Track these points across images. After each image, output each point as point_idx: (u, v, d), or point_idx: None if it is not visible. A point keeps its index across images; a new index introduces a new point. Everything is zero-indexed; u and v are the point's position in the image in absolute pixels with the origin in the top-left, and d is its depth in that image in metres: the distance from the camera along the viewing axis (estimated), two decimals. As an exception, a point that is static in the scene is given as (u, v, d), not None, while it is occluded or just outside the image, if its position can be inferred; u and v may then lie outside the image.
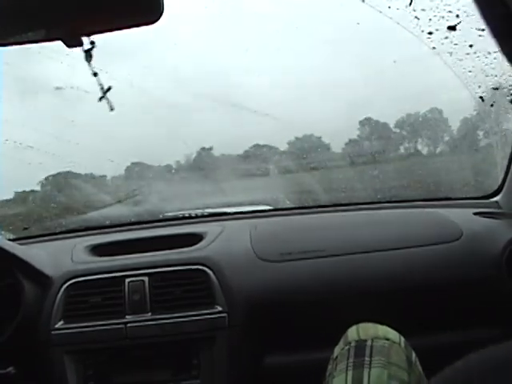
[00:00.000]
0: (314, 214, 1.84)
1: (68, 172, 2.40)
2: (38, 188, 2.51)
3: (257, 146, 2.59)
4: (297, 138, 2.50)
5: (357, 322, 1.10)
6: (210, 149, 2.55)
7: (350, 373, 0.96)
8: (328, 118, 2.46)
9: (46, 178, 2.49)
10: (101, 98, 0.89)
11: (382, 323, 1.08)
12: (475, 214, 1.65)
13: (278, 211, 1.95)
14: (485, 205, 1.73)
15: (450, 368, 0.42)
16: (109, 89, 0.89)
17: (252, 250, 1.53)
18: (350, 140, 2.58)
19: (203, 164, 2.53)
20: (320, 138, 2.50)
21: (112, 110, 0.92)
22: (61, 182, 2.45)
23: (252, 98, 2.39)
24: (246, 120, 2.32)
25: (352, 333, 1.06)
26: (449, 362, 0.48)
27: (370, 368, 0.95)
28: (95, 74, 0.80)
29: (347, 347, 1.02)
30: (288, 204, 2.25)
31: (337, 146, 2.53)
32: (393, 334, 1.03)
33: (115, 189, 2.47)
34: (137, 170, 2.53)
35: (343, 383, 0.95)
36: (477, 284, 1.45)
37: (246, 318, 1.42)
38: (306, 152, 2.40)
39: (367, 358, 0.97)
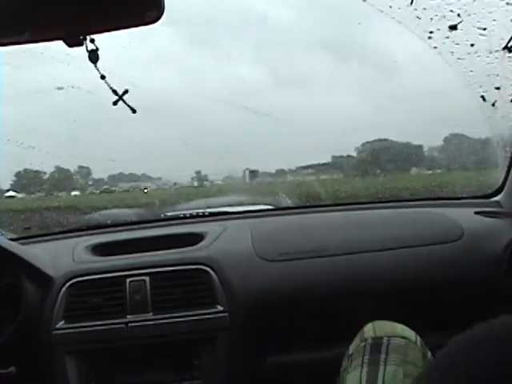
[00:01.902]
0: (314, 214, 1.84)
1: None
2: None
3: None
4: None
5: (357, 322, 1.10)
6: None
7: (364, 369, 0.95)
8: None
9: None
10: (116, 102, 0.87)
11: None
12: (476, 213, 1.65)
13: (278, 211, 1.95)
14: (486, 204, 1.73)
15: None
16: (126, 92, 0.87)
17: (253, 249, 1.53)
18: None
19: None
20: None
21: (134, 112, 0.90)
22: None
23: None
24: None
25: (368, 330, 1.06)
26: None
27: (385, 365, 0.94)
28: (103, 77, 0.79)
29: (363, 344, 1.02)
30: (289, 204, 2.25)
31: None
32: (409, 333, 1.03)
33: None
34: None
35: (357, 379, 0.94)
36: (478, 283, 1.45)
37: (247, 318, 1.42)
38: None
39: (383, 356, 0.96)
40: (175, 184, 2.39)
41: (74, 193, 2.51)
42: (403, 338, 1.00)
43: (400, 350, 0.97)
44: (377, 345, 0.99)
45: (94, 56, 0.71)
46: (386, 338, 1.00)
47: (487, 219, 1.61)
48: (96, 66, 0.74)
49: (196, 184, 2.49)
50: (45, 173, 2.56)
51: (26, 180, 2.51)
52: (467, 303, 1.44)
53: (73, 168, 2.61)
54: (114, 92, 0.86)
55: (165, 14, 0.63)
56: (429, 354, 1.00)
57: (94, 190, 2.63)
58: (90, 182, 2.66)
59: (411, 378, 0.91)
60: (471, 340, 0.40)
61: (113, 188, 2.62)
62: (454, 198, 1.92)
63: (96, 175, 2.65)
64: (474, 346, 0.38)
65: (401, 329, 1.04)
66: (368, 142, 2.63)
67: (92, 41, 0.68)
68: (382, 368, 0.94)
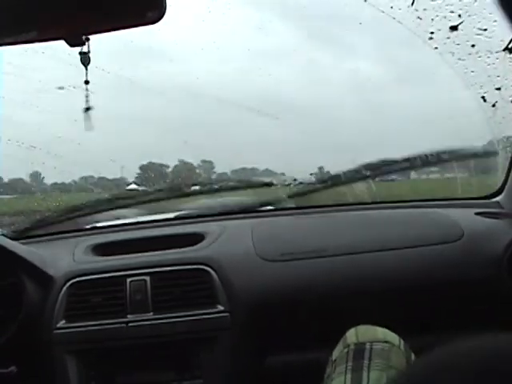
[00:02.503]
0: (314, 214, 1.84)
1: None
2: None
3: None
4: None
5: (358, 322, 1.10)
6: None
7: (348, 376, 0.95)
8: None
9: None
10: (87, 110, 0.87)
11: (383, 323, 1.08)
12: (477, 214, 1.65)
13: (279, 211, 1.95)
14: (486, 205, 1.73)
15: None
16: (88, 108, 0.88)
17: (253, 249, 1.53)
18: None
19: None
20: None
21: (88, 129, 0.91)
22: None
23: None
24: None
25: (351, 335, 1.05)
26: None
27: (368, 371, 0.94)
28: (86, 82, 0.79)
29: (346, 350, 1.01)
30: (289, 204, 2.24)
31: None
32: (392, 337, 1.03)
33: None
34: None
35: None
36: (478, 284, 1.45)
37: (247, 318, 1.42)
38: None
39: (366, 361, 0.96)
40: (295, 180, 2.34)
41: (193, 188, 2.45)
42: (386, 342, 1.00)
43: (383, 354, 0.97)
44: (360, 350, 0.99)
45: (85, 59, 0.71)
46: (368, 344, 0.99)
47: (487, 220, 1.61)
48: (87, 69, 0.74)
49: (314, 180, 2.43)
50: (168, 166, 2.54)
51: (150, 173, 2.48)
52: (467, 303, 1.44)
53: (196, 162, 2.59)
54: (86, 100, 0.87)
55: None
56: (413, 357, 1.00)
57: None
58: (214, 176, 2.63)
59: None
60: (431, 366, 0.39)
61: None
62: (455, 198, 1.92)
63: (219, 169, 2.63)
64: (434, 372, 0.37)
65: (384, 333, 1.03)
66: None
67: (85, 41, 0.67)
68: (365, 374, 0.93)
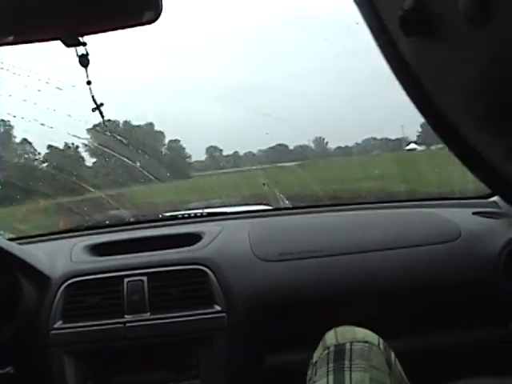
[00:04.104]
0: (312, 214, 1.84)
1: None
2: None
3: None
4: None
5: (355, 322, 1.10)
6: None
7: (330, 377, 0.94)
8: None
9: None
10: (94, 109, 0.87)
11: (380, 322, 1.08)
12: (474, 213, 1.65)
13: (276, 211, 1.95)
14: (484, 204, 1.73)
15: None
16: (101, 104, 0.88)
17: (251, 249, 1.53)
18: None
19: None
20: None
21: (104, 124, 0.91)
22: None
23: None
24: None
25: (330, 337, 1.05)
26: (448, 361, 0.48)
27: (350, 371, 0.93)
28: (89, 83, 0.79)
29: (326, 351, 1.01)
30: (287, 204, 2.25)
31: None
32: (371, 337, 1.02)
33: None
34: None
35: None
36: (475, 283, 1.45)
37: (245, 318, 1.42)
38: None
39: (347, 362, 0.95)
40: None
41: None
42: (366, 342, 1.00)
43: (363, 355, 0.97)
44: (340, 351, 0.98)
45: (84, 60, 0.71)
46: (348, 344, 0.99)
47: (485, 219, 1.61)
48: (86, 71, 0.74)
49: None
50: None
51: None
52: (463, 303, 1.45)
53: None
54: (93, 100, 0.86)
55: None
56: (392, 356, 1.00)
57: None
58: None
59: (377, 383, 0.91)
60: None
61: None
62: (452, 198, 1.92)
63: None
64: None
65: (363, 333, 1.03)
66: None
67: (84, 44, 0.67)
68: (347, 375, 0.93)
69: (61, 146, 2.87)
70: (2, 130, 2.84)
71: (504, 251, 1.44)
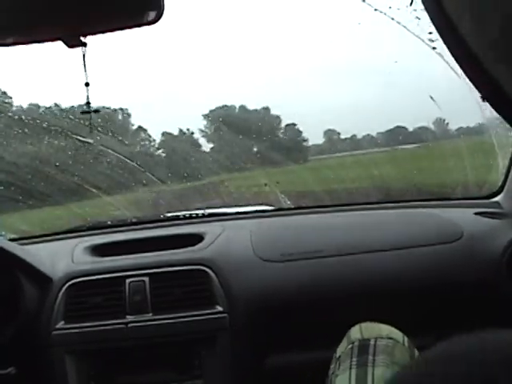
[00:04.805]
0: (314, 215, 1.84)
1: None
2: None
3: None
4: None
5: (357, 322, 1.10)
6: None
7: (353, 371, 0.95)
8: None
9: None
10: (83, 113, 0.87)
11: (382, 323, 1.08)
12: (476, 214, 1.64)
13: (278, 211, 1.95)
14: (486, 205, 1.73)
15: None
16: (96, 111, 0.87)
17: (252, 250, 1.53)
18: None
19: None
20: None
21: (91, 131, 0.90)
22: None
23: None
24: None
25: (355, 332, 1.06)
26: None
27: (373, 367, 0.94)
28: (87, 84, 0.79)
29: (350, 346, 1.02)
30: (288, 204, 2.24)
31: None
32: (396, 334, 1.03)
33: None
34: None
35: (347, 382, 0.94)
36: (477, 284, 1.45)
37: (246, 319, 1.42)
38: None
39: (371, 357, 0.96)
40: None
41: None
42: (390, 338, 1.01)
43: (387, 350, 0.97)
44: (364, 346, 0.99)
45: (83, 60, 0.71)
46: (372, 340, 1.00)
47: (487, 220, 1.60)
48: (85, 71, 0.74)
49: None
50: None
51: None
52: (465, 304, 1.44)
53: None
54: (87, 104, 0.86)
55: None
56: (416, 354, 1.01)
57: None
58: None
59: None
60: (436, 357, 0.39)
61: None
62: (454, 198, 1.92)
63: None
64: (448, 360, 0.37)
65: (388, 330, 1.04)
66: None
67: (85, 44, 0.67)
68: (370, 370, 0.94)
69: (175, 133, 2.88)
70: (120, 118, 2.84)
71: (506, 251, 1.43)
